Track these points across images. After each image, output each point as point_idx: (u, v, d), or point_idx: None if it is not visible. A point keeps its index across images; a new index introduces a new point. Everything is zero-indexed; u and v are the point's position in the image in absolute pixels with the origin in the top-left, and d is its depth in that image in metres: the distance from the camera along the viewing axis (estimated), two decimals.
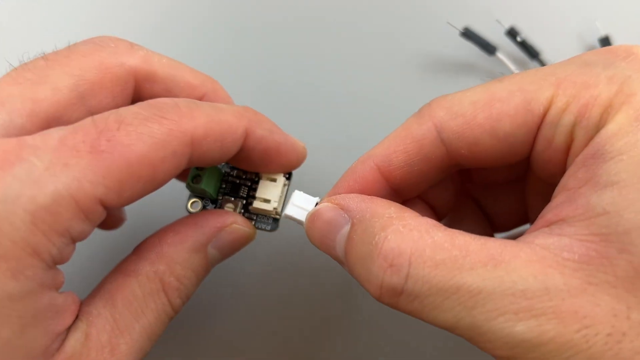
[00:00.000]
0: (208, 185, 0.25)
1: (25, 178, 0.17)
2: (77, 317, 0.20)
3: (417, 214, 0.20)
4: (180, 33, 0.37)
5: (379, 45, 0.37)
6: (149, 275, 0.22)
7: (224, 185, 0.26)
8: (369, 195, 0.22)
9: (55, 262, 0.18)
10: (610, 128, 0.18)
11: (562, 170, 0.20)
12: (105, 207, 0.19)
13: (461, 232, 0.19)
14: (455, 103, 0.21)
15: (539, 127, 0.20)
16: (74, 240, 0.19)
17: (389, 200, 0.22)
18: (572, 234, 0.17)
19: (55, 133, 0.18)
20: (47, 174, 0.17)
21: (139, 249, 0.23)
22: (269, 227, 0.26)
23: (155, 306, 0.22)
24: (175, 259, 0.23)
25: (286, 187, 0.26)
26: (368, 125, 0.35)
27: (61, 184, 0.17)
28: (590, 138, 0.18)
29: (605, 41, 0.37)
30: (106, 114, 0.19)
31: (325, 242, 0.22)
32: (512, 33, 0.36)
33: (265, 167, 0.24)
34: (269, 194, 0.25)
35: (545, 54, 0.36)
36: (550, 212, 0.19)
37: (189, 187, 0.25)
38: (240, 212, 0.25)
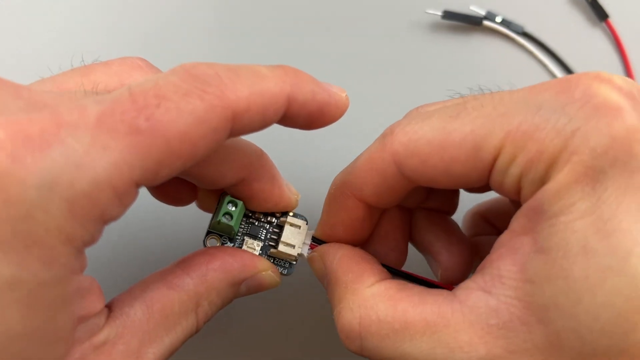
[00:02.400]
0: (237, 223, 0.26)
1: (63, 162, 0.16)
2: (113, 315, 0.21)
3: (372, 279, 0.23)
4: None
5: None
6: (190, 294, 0.23)
7: (242, 225, 0.27)
8: (353, 222, 0.25)
9: (85, 247, 0.18)
10: (552, 186, 0.19)
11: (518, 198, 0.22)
12: (140, 186, 0.18)
13: (405, 292, 0.22)
14: (412, 140, 0.22)
15: (489, 172, 0.21)
16: (105, 223, 0.18)
17: (355, 256, 0.25)
18: (501, 294, 0.19)
19: (93, 108, 0.17)
20: (86, 159, 0.17)
21: (186, 265, 0.24)
22: (285, 272, 0.27)
23: (186, 324, 0.23)
24: (215, 287, 0.24)
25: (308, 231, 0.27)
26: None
27: (101, 169, 0.17)
28: (536, 190, 0.20)
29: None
30: (144, 85, 0.18)
31: (319, 278, 0.26)
32: (489, 17, 0.36)
33: (307, 127, 0.24)
34: (293, 239, 0.27)
35: (529, 25, 0.36)
36: (494, 255, 0.21)
37: (216, 223, 0.26)
38: (259, 253, 0.27)
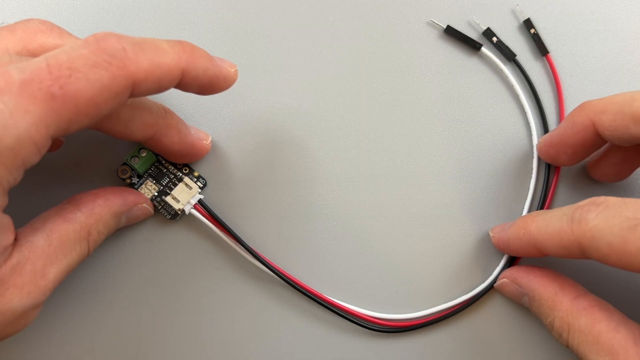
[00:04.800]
0: (141, 167, 0.31)
1: None
2: (19, 243, 0.24)
3: (573, 292, 0.28)
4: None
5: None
6: (82, 225, 0.27)
7: (152, 169, 0.32)
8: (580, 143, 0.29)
9: (9, 188, 0.22)
10: None
11: None
12: (54, 138, 0.22)
13: (603, 313, 0.27)
14: None
15: None
16: (26, 168, 0.22)
17: (550, 276, 0.30)
18: None
19: (16, 76, 0.21)
20: (11, 120, 0.20)
21: (76, 202, 0.28)
22: (169, 217, 0.32)
23: (80, 250, 0.27)
24: (101, 219, 0.28)
25: (198, 194, 0.32)
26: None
27: (23, 129, 0.20)
28: None
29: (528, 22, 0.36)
30: (59, 57, 0.21)
31: (514, 298, 0.32)
32: (487, 34, 0.36)
33: (200, 94, 0.28)
34: (181, 196, 0.31)
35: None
36: None
37: (127, 161, 0.31)
38: (154, 195, 0.31)
